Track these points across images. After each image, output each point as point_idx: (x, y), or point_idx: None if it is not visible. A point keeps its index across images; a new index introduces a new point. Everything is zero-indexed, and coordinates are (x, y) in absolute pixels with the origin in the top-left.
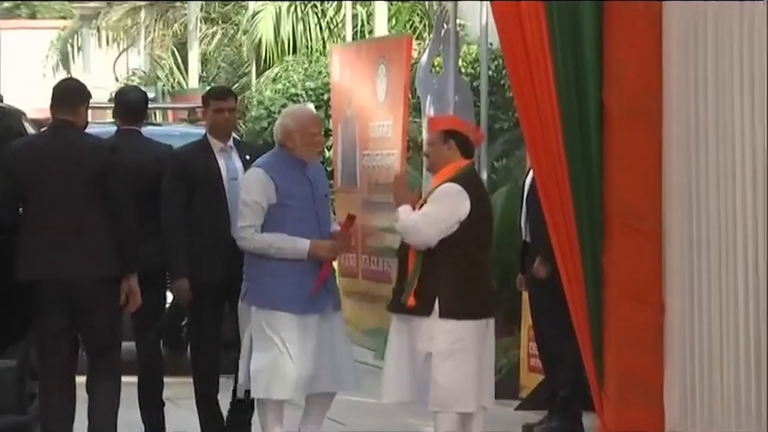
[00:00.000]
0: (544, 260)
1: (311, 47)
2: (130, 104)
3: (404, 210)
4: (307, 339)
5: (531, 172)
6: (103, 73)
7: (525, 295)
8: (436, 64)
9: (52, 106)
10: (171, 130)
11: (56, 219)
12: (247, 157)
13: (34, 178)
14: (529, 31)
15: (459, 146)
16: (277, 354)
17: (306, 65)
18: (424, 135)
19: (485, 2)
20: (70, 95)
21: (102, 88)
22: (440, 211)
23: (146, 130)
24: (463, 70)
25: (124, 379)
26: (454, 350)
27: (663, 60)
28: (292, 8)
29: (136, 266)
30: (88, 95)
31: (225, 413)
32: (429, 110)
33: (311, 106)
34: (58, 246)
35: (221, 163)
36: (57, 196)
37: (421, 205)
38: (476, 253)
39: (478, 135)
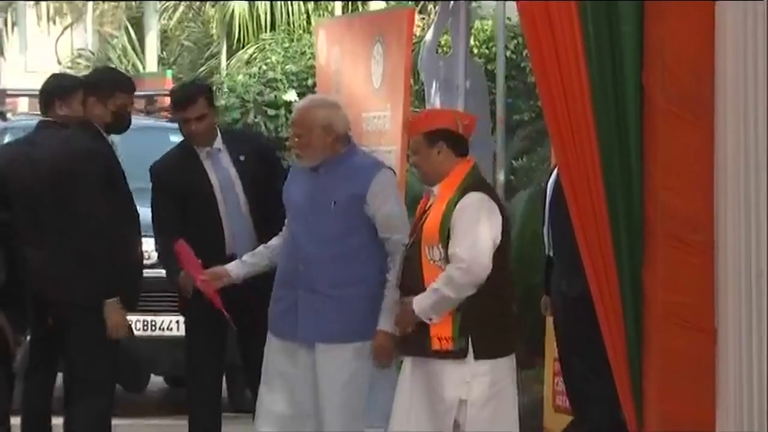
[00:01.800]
0: (569, 278)
1: (293, 23)
2: (44, 91)
3: (417, 298)
4: (280, 367)
5: (555, 172)
6: (42, 54)
7: (549, 320)
8: (443, 43)
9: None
10: None
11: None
12: (241, 157)
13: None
14: (558, 27)
15: (450, 146)
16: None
17: (286, 44)
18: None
19: None
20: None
21: (41, 72)
22: (482, 230)
23: None
24: (475, 50)
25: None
26: (491, 395)
27: (717, 55)
28: None
29: (111, 292)
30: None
31: None
32: (435, 98)
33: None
34: (41, 260)
35: (211, 173)
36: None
37: (442, 228)
38: (509, 275)
39: (467, 120)
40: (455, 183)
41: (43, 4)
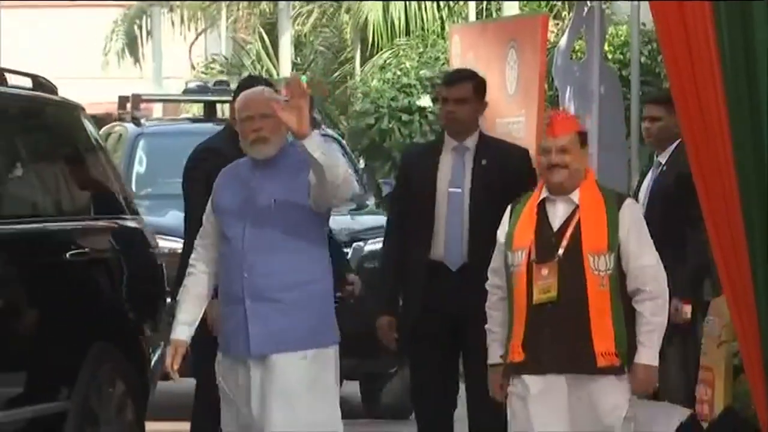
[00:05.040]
0: (685, 293)
1: (427, 28)
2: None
3: (645, 355)
4: (229, 385)
5: (650, 174)
6: (177, 59)
7: None
8: (577, 48)
9: None
10: None
11: None
12: (483, 161)
13: None
14: (692, 28)
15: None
16: None
17: (420, 50)
18: (544, 140)
19: None
20: None
21: (176, 77)
22: (649, 238)
23: None
24: (609, 55)
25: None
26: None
27: None
28: None
29: None
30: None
31: None
32: (569, 104)
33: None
34: None
35: (444, 167)
36: None
37: (611, 238)
38: None
39: None
40: (595, 188)
41: (178, 10)
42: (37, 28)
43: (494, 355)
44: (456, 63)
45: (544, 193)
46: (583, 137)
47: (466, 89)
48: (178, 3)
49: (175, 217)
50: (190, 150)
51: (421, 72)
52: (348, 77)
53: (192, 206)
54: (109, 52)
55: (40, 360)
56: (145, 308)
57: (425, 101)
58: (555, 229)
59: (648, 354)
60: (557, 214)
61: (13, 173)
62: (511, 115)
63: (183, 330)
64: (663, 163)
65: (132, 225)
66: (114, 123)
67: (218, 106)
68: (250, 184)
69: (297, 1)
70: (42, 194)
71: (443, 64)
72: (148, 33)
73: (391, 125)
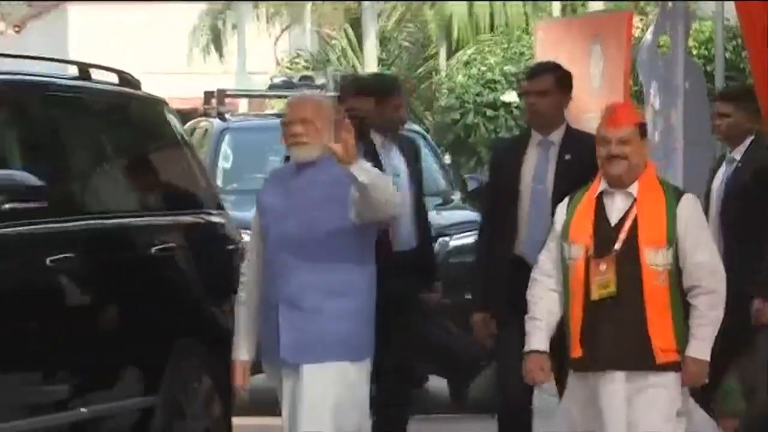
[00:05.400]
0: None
1: (511, 24)
2: None
3: (697, 348)
4: (283, 396)
5: (723, 169)
6: (261, 55)
7: None
8: (662, 43)
9: None
10: None
11: None
12: (567, 156)
13: None
14: None
15: None
16: None
17: (505, 45)
18: (604, 131)
19: None
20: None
21: (260, 73)
22: (708, 233)
23: None
24: (694, 51)
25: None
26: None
27: None
28: None
29: None
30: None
31: None
32: (654, 99)
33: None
34: None
35: (529, 163)
36: None
37: (670, 232)
38: None
39: None
40: (655, 182)
41: (263, 6)
42: (121, 24)
43: (535, 342)
44: (541, 59)
45: (602, 185)
46: (643, 129)
47: (547, 81)
48: (263, 3)
49: None
50: (275, 145)
51: (506, 67)
52: (433, 73)
53: None
54: (193, 48)
55: (127, 355)
56: (229, 304)
57: (510, 96)
58: (613, 223)
59: (699, 347)
60: (615, 207)
61: (99, 169)
62: (596, 110)
63: (243, 350)
64: (738, 159)
65: (217, 220)
66: (199, 118)
67: None
68: (291, 189)
69: (382, 0)
70: (127, 189)
71: (528, 59)
72: (233, 27)
73: (476, 121)
